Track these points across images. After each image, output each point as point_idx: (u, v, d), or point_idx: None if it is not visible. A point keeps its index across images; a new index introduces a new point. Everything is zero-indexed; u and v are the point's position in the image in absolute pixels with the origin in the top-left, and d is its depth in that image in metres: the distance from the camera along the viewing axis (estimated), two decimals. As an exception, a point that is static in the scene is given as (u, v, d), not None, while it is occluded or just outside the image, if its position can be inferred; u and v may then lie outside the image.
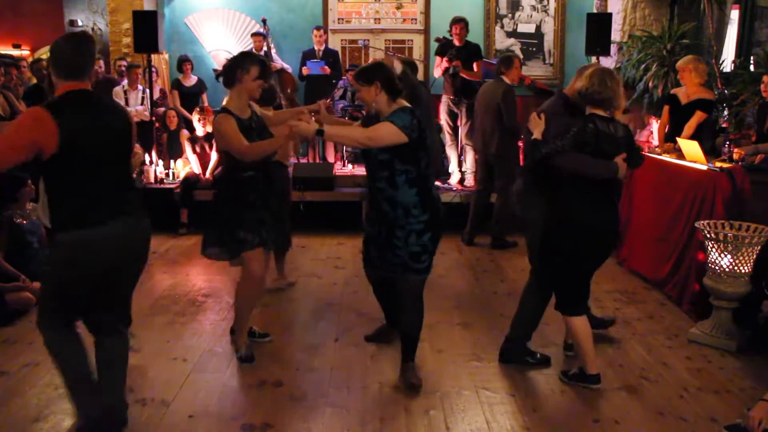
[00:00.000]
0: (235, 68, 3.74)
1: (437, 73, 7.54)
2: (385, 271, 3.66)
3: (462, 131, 7.46)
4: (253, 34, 8.85)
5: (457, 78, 7.25)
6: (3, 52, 9.60)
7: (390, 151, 3.39)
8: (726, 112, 7.06)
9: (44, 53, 11.68)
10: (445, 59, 7.33)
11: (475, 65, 7.44)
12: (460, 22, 7.43)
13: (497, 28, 10.14)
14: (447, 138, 7.63)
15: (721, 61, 7.51)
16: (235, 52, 9.02)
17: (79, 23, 11.72)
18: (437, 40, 7.94)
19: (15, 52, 11.05)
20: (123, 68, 8.45)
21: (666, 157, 5.33)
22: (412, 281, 3.55)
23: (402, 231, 3.47)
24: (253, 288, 3.92)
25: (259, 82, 3.74)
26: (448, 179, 7.60)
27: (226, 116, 3.71)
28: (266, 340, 4.22)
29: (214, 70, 9.19)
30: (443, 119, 7.61)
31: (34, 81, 7.62)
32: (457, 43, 7.39)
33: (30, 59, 9.87)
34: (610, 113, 3.45)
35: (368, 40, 9.60)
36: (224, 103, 3.83)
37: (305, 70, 8.64)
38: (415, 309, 3.62)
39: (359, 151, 3.82)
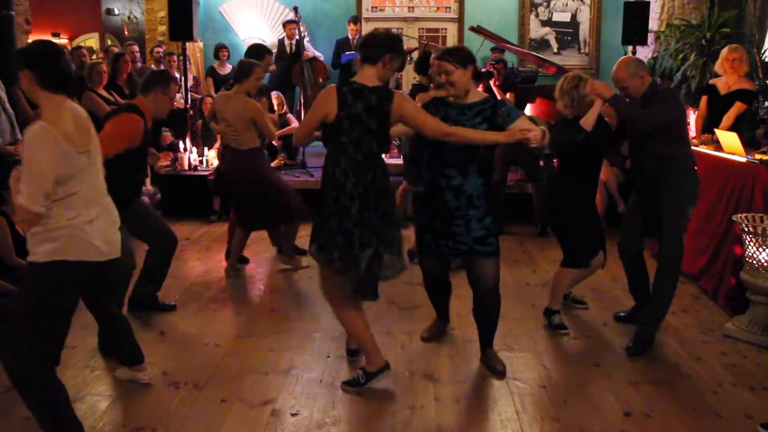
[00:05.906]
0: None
1: None
2: (449, 255, 3.64)
3: None
4: (285, 23, 8.88)
5: (488, 76, 6.96)
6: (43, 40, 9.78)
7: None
8: (766, 104, 6.91)
9: (83, 41, 11.89)
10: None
11: (509, 95, 7.00)
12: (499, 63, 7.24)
13: (532, 16, 10.04)
14: None
15: (762, 51, 7.34)
16: (268, 41, 8.98)
17: (116, 12, 11.87)
18: (471, 29, 7.87)
19: (54, 41, 11.27)
20: (160, 55, 8.52)
21: (703, 149, 5.23)
22: (487, 265, 3.51)
23: (462, 220, 3.45)
24: None
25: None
26: None
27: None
28: None
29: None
30: None
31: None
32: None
33: (69, 47, 10.03)
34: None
35: (402, 29, 9.58)
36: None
37: None
38: (495, 294, 3.59)
39: (426, 139, 3.39)
